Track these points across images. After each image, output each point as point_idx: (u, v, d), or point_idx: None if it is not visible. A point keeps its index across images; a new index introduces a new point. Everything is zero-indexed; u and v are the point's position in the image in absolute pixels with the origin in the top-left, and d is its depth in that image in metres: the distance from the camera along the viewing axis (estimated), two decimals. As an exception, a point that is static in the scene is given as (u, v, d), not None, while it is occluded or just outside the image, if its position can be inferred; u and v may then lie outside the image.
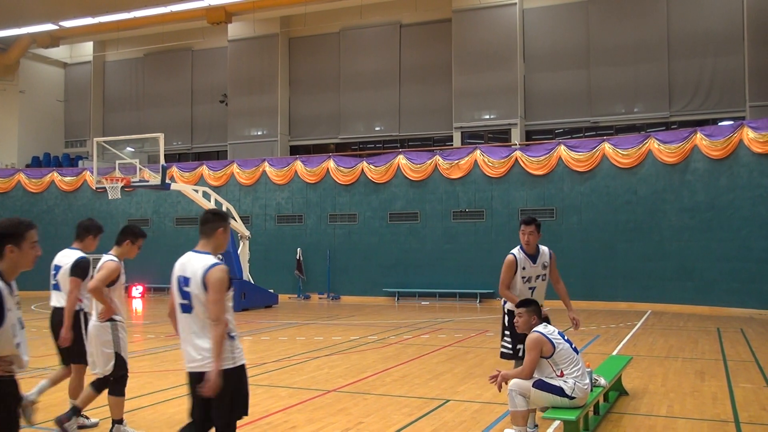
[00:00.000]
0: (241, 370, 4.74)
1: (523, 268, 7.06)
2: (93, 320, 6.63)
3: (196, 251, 4.77)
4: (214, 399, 4.60)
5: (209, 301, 4.51)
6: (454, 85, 24.05)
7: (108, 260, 6.70)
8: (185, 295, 4.65)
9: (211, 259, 4.65)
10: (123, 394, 6.57)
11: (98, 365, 6.56)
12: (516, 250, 7.11)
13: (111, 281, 6.57)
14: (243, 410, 4.83)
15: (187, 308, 4.66)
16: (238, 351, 4.69)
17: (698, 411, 7.44)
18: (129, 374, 6.70)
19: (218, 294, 4.49)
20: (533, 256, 7.08)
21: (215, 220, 4.81)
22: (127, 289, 25.33)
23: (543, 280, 7.14)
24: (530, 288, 7.06)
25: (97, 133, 29.43)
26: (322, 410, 7.52)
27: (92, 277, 6.78)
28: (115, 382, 6.53)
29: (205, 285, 4.53)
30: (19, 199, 27.20)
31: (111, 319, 6.57)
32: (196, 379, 4.65)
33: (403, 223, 22.78)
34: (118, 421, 6.52)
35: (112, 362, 6.50)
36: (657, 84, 22.19)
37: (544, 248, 7.21)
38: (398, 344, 12.70)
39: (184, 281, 4.66)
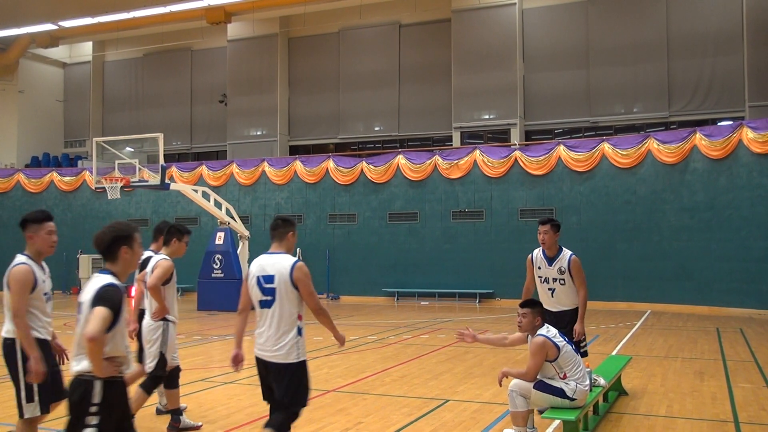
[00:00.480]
0: (304, 364, 5.17)
1: (539, 268, 7.10)
2: (146, 318, 6.75)
3: (272, 253, 5.30)
4: (279, 388, 5.11)
5: (305, 294, 5.13)
6: (453, 85, 24.05)
7: (162, 259, 6.72)
8: (267, 291, 5.20)
9: (292, 259, 5.22)
10: (150, 393, 6.62)
11: (147, 361, 6.69)
12: (537, 249, 7.13)
13: (165, 280, 6.60)
14: (304, 401, 5.18)
15: (268, 303, 5.21)
16: (302, 347, 5.16)
17: (697, 411, 7.44)
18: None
19: (310, 286, 5.17)
20: (550, 258, 7.04)
21: (285, 225, 5.38)
22: (127, 290, 25.31)
23: (562, 284, 7.00)
24: (549, 289, 7.07)
25: (97, 133, 29.42)
26: (322, 410, 7.52)
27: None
28: (148, 378, 6.59)
29: (292, 281, 5.09)
30: (18, 199, 27.19)
31: (164, 319, 6.67)
32: (263, 365, 5.31)
33: (403, 223, 22.78)
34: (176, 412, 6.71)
35: (156, 361, 6.58)
36: (656, 84, 22.20)
37: (566, 252, 7.05)
38: (397, 344, 12.70)
39: (266, 279, 5.18)
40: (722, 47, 21.43)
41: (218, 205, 20.73)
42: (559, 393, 5.90)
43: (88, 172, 25.52)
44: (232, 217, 20.86)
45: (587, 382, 6.07)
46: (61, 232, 24.57)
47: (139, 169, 19.85)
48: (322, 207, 23.97)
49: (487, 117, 23.77)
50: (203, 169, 25.53)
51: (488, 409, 7.49)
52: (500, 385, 6.30)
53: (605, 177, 20.36)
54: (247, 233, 21.23)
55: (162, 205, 26.16)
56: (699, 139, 18.76)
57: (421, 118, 25.40)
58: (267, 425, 5.10)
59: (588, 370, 6.40)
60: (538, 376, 6.01)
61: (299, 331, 5.15)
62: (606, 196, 20.33)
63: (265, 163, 24.75)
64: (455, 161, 22.04)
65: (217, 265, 19.91)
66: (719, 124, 20.28)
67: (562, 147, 20.88)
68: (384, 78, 25.89)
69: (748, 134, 17.74)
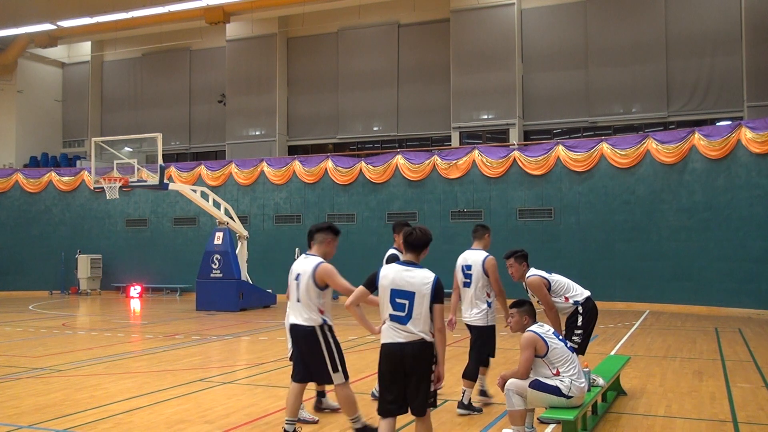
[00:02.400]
0: (493, 328, 7.48)
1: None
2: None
3: (473, 249, 7.59)
4: (485, 340, 7.42)
5: (492, 280, 7.36)
6: (452, 85, 24.05)
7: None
8: (467, 276, 7.46)
9: (484, 253, 7.50)
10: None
11: None
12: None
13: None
14: (493, 351, 7.61)
15: (467, 284, 7.45)
16: (492, 315, 7.42)
17: (696, 411, 7.45)
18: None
19: (496, 274, 7.38)
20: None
21: (483, 229, 7.72)
22: (126, 289, 25.33)
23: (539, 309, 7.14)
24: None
25: (95, 133, 29.39)
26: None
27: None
28: None
29: (484, 270, 7.36)
30: (17, 199, 27.16)
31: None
32: (468, 327, 7.52)
33: (402, 223, 22.72)
34: (322, 394, 7.49)
35: None
36: (655, 84, 22.20)
37: (528, 274, 7.22)
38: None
39: (467, 267, 7.46)
40: (721, 47, 21.43)
41: (217, 205, 20.73)
42: (555, 391, 5.91)
43: (86, 172, 25.50)
44: (231, 217, 20.85)
45: (583, 380, 6.08)
46: (59, 232, 24.65)
47: (138, 169, 19.84)
48: (321, 207, 23.96)
49: (485, 117, 23.77)
50: (202, 169, 25.52)
51: (487, 409, 7.49)
52: (503, 391, 6.25)
53: (604, 177, 20.36)
54: (245, 233, 21.22)
55: (161, 205, 26.14)
56: (698, 139, 18.77)
57: (420, 118, 25.40)
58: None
59: (586, 370, 6.41)
60: (532, 375, 6.02)
61: (489, 305, 7.36)
62: (605, 196, 20.33)
63: (264, 163, 24.74)
64: (454, 161, 22.03)
65: (215, 265, 19.89)
66: (718, 124, 20.27)
67: (560, 147, 20.88)
68: (383, 78, 25.89)
69: (746, 134, 17.75)
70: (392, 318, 5.03)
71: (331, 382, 6.22)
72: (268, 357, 11.29)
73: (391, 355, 5.03)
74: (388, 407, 5.09)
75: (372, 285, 5.24)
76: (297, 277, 6.27)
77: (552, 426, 6.62)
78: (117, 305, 22.15)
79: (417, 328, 4.97)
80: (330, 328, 6.24)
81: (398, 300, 5.00)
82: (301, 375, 6.38)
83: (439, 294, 5.01)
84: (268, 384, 9.12)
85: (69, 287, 26.38)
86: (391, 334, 5.03)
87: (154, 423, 7.05)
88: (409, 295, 4.99)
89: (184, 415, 7.36)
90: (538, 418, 6.59)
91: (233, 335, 14.25)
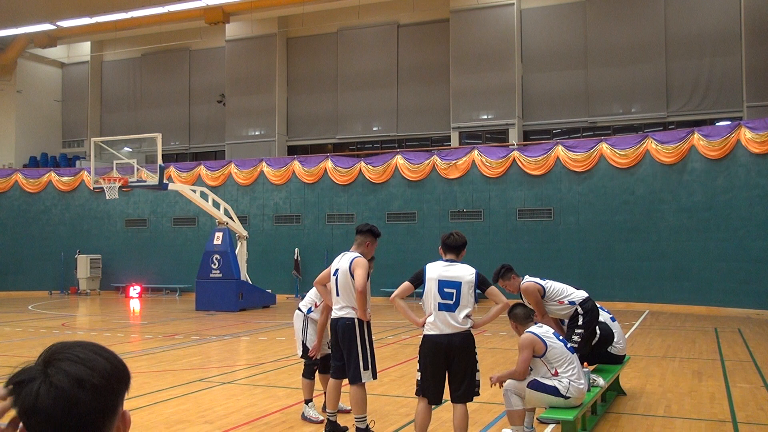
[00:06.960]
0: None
1: None
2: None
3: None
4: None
5: None
6: (451, 85, 24.04)
7: None
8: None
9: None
10: (309, 378, 7.22)
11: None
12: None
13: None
14: None
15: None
16: None
17: (696, 411, 7.45)
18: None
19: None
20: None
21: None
22: (125, 289, 25.33)
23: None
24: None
25: (95, 133, 29.37)
26: (320, 410, 7.50)
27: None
28: (305, 366, 7.30)
29: None
30: (16, 200, 27.14)
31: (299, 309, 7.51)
32: None
33: (401, 224, 22.77)
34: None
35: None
36: (654, 84, 22.20)
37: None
38: (396, 344, 12.70)
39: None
40: (720, 47, 21.44)
41: (216, 205, 20.72)
42: (553, 391, 5.91)
43: (86, 172, 25.49)
44: (231, 217, 20.84)
45: (582, 380, 6.07)
46: (59, 232, 24.72)
47: (138, 169, 19.85)
48: (321, 207, 23.96)
49: (485, 117, 23.77)
50: (201, 169, 25.51)
51: (486, 409, 7.49)
52: (500, 387, 6.26)
53: (603, 177, 20.36)
54: (245, 233, 21.21)
55: (160, 205, 26.13)
56: (697, 139, 18.77)
57: (420, 118, 25.40)
58: None
59: (586, 370, 6.41)
60: (531, 375, 6.02)
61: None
62: (604, 196, 20.33)
63: (264, 163, 24.73)
64: (453, 161, 22.03)
65: (215, 265, 19.89)
66: (717, 124, 20.28)
67: (560, 147, 20.87)
68: (382, 78, 25.89)
69: (746, 134, 17.76)
70: (441, 307, 5.57)
71: (359, 379, 6.20)
72: (267, 357, 11.29)
73: (438, 345, 5.50)
74: (431, 395, 5.58)
75: (417, 280, 5.77)
76: (335, 273, 6.43)
77: (551, 426, 6.62)
78: (116, 305, 22.14)
79: (463, 316, 5.58)
80: (368, 323, 6.34)
81: (446, 290, 5.62)
82: (337, 371, 6.47)
83: (485, 279, 5.86)
84: (267, 384, 9.12)
85: (68, 287, 26.38)
86: (439, 326, 5.53)
87: (154, 423, 7.05)
88: (456, 285, 5.66)
89: (184, 415, 7.35)
90: (537, 418, 6.59)
91: (232, 335, 14.25)
